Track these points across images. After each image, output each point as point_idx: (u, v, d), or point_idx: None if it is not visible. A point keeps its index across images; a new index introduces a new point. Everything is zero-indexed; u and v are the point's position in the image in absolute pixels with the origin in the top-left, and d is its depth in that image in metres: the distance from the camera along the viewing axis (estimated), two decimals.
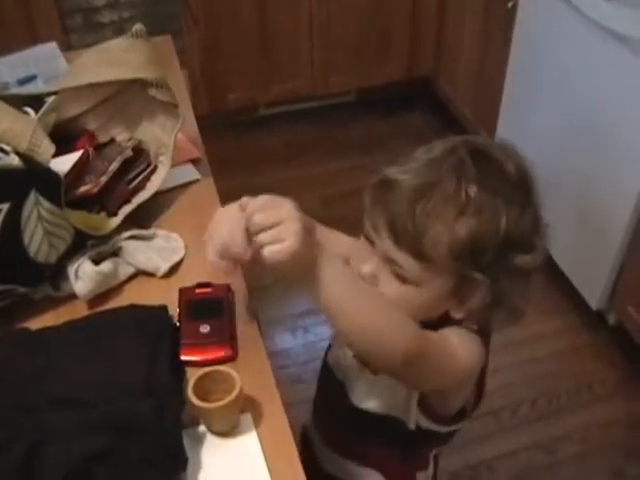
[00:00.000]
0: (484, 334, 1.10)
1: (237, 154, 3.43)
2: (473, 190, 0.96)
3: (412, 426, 1.17)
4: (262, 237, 0.90)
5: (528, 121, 2.69)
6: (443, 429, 1.20)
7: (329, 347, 1.35)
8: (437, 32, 3.43)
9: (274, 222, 0.90)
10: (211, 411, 0.99)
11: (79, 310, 1.20)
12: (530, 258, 1.01)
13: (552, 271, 2.67)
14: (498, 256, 0.99)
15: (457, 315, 1.07)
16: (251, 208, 0.93)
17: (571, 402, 2.41)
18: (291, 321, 2.71)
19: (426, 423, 1.17)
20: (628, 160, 2.19)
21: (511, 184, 1.00)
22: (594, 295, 2.49)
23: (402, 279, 1.04)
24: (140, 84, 1.31)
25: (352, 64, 3.47)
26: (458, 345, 1.06)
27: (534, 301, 2.68)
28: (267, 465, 0.99)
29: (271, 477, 0.98)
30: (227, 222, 0.97)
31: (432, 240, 0.98)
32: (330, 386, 1.28)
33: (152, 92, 1.30)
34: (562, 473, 2.21)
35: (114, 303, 1.22)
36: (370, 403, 1.20)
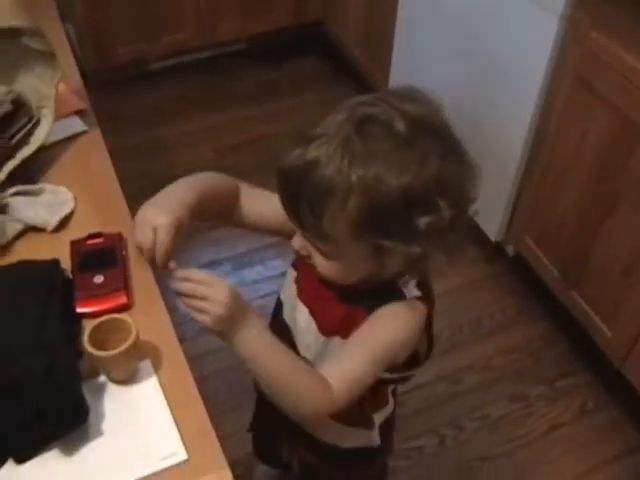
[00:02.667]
0: (425, 291, 1.13)
1: (130, 110, 3.36)
2: (355, 171, 0.95)
3: None
4: (192, 302, 1.00)
5: (422, 58, 2.69)
6: (395, 376, 1.21)
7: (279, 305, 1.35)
8: None
9: (204, 295, 0.99)
10: (109, 359, 0.99)
11: None
12: (432, 219, 0.98)
13: None
14: (399, 222, 0.98)
15: (385, 275, 1.08)
16: (189, 274, 1.02)
17: (473, 333, 2.48)
18: None
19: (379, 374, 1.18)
20: (519, 93, 2.23)
21: (400, 144, 0.97)
22: (492, 227, 2.54)
23: (323, 255, 1.06)
24: (12, 33, 1.26)
25: (239, 11, 3.40)
26: (393, 328, 1.10)
27: None
28: (169, 407, 0.99)
29: (174, 418, 0.98)
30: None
31: (329, 223, 0.98)
32: (280, 334, 1.21)
33: (26, 41, 1.25)
34: (466, 401, 2.28)
35: (4, 261, 1.19)
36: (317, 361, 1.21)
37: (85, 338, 0.98)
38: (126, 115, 3.31)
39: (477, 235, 2.64)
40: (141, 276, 1.16)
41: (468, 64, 2.44)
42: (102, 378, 1.04)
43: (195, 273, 1.01)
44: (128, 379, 1.03)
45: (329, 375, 1.07)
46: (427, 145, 0.98)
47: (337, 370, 1.09)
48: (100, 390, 1.02)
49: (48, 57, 1.29)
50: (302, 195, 0.99)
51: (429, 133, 0.99)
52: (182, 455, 0.94)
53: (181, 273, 1.02)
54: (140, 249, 1.07)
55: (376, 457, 1.49)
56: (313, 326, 1.21)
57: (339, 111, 1.01)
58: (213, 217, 1.25)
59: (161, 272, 1.07)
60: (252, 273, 2.68)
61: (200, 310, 0.99)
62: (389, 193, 0.95)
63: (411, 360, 1.20)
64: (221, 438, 0.98)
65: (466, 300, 2.58)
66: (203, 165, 2.96)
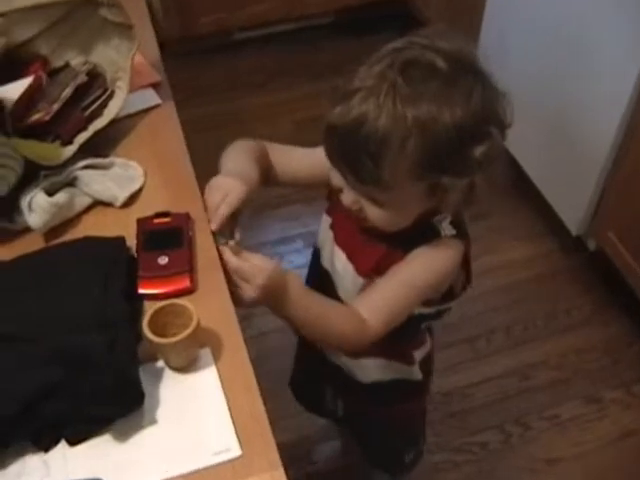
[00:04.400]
0: (460, 229, 1.16)
1: (211, 79, 3.35)
2: (410, 112, 0.97)
3: None
4: (235, 278, 1.06)
5: (510, 40, 2.59)
6: (432, 309, 1.26)
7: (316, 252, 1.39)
8: None
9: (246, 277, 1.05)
10: (167, 346, 0.96)
11: (35, 243, 1.15)
12: (486, 147, 1.02)
13: (531, 194, 2.64)
14: (457, 155, 1.01)
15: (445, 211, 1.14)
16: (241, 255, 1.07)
17: (547, 328, 2.40)
18: (267, 249, 2.67)
19: (417, 310, 1.22)
20: (612, 81, 2.13)
21: (446, 81, 1.00)
22: (574, 220, 2.45)
23: (380, 204, 1.08)
24: (91, 4, 1.23)
25: None
26: (429, 264, 1.15)
27: (510, 226, 2.67)
28: (227, 400, 0.96)
29: (230, 412, 0.95)
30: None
31: (390, 170, 1.01)
32: (324, 289, 1.28)
33: (103, 12, 1.22)
34: (536, 399, 2.20)
35: (71, 235, 1.17)
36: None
37: (144, 322, 0.96)
38: (207, 85, 3.30)
39: (556, 225, 2.55)
40: (207, 259, 1.12)
41: (559, 51, 2.35)
42: (160, 363, 1.01)
43: (244, 253, 1.07)
44: (187, 366, 1.00)
45: (363, 307, 1.14)
46: (469, 78, 1.02)
47: (373, 305, 1.15)
48: (157, 375, 1.00)
49: (125, 29, 1.26)
50: (359, 150, 1.01)
51: (467, 66, 1.03)
52: (236, 451, 0.91)
53: (234, 247, 1.07)
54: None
55: (417, 392, 1.53)
56: (350, 269, 1.24)
57: (375, 62, 1.05)
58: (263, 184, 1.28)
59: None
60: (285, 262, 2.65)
61: (242, 288, 1.06)
62: (445, 129, 0.98)
63: (446, 294, 1.24)
64: (279, 418, 0.95)
65: (542, 293, 2.50)
66: (281, 138, 2.97)
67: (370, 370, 1.40)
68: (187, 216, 1.17)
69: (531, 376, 2.27)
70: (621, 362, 2.30)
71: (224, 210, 1.08)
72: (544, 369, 2.29)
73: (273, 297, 1.07)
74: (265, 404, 0.96)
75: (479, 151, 1.01)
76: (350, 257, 1.24)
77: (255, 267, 1.05)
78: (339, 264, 1.27)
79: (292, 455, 1.98)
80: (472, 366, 2.27)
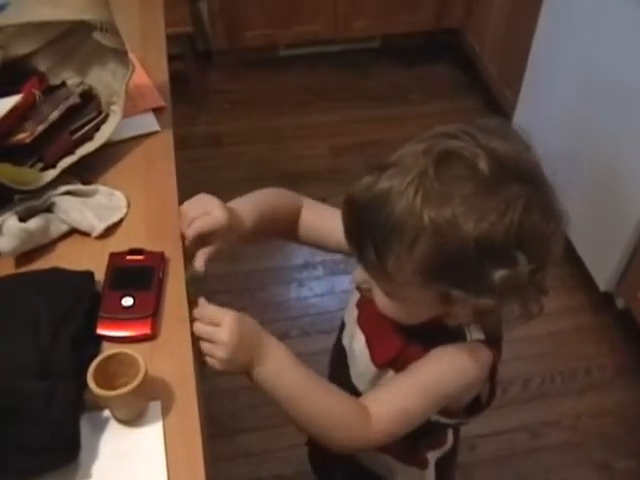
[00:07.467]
0: (492, 338, 1.05)
1: (253, 93, 3.34)
2: (428, 212, 0.85)
3: None
4: (201, 345, 0.98)
5: (554, 86, 2.55)
6: (453, 421, 1.15)
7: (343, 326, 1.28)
8: None
9: (209, 337, 0.97)
10: (109, 398, 0.90)
11: (5, 267, 1.11)
12: (508, 274, 0.88)
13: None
14: (472, 272, 0.89)
15: (451, 324, 1.00)
16: (198, 313, 0.99)
17: (565, 386, 2.29)
18: (288, 273, 2.62)
19: (435, 416, 1.09)
20: None
21: (483, 186, 0.86)
22: (603, 276, 2.36)
23: (385, 293, 0.99)
24: (85, 27, 1.19)
25: (378, 9, 3.31)
26: (450, 368, 1.02)
27: None
28: (167, 459, 0.90)
29: (168, 473, 0.89)
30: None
31: (394, 265, 0.90)
32: (338, 366, 1.23)
33: (97, 36, 1.18)
34: (544, 459, 2.10)
35: (43, 261, 1.13)
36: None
37: (90, 372, 0.90)
38: (248, 98, 3.29)
39: (585, 280, 2.45)
40: (175, 304, 1.07)
41: (601, 106, 2.28)
42: (106, 412, 0.95)
43: (201, 310, 0.99)
44: (133, 419, 0.94)
45: (372, 406, 1.01)
46: (512, 191, 0.87)
47: (382, 402, 1.02)
48: (101, 426, 0.94)
49: (121, 54, 1.22)
50: (367, 230, 0.91)
51: (515, 177, 0.88)
52: None
53: (195, 313, 1.00)
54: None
55: None
56: (367, 355, 1.14)
57: (419, 140, 0.92)
58: (274, 236, 1.22)
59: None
60: (343, 282, 2.57)
61: (209, 354, 0.97)
62: (464, 240, 0.85)
63: (471, 406, 1.12)
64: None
65: (564, 348, 2.40)
66: (314, 161, 2.91)
67: (378, 464, 1.28)
68: (161, 256, 1.11)
69: (542, 434, 2.17)
70: (637, 431, 2.18)
71: (197, 226, 1.03)
72: (556, 429, 2.18)
73: (247, 353, 0.97)
74: (206, 464, 0.90)
75: (499, 275, 0.87)
76: (369, 342, 1.14)
77: (219, 323, 0.96)
78: (357, 346, 1.17)
79: None
80: (483, 416, 2.17)
